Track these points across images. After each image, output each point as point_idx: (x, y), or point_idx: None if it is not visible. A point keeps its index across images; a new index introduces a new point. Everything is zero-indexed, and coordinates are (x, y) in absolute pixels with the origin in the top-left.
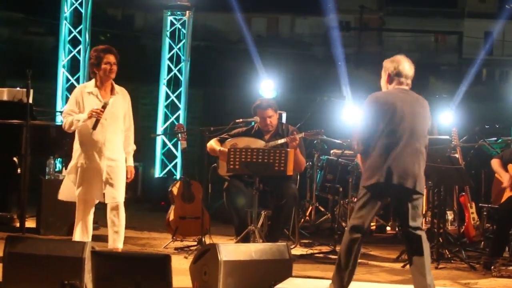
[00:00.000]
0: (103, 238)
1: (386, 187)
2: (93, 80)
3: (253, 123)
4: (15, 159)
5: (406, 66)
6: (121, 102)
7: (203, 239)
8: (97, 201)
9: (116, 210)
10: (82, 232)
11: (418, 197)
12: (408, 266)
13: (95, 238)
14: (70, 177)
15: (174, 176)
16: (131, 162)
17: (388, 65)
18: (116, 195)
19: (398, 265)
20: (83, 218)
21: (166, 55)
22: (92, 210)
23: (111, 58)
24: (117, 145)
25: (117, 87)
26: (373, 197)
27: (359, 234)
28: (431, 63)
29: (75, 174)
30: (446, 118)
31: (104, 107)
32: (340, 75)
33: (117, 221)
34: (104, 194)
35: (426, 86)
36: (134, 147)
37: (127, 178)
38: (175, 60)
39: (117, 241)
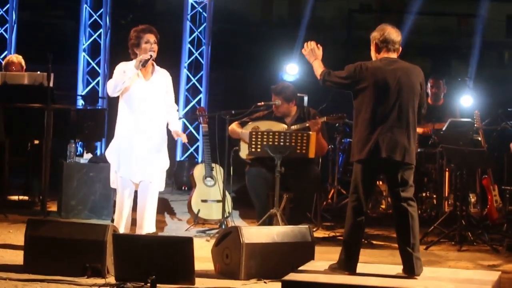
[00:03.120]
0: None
1: (376, 161)
2: (134, 60)
3: None
4: (36, 142)
5: (392, 32)
6: (161, 82)
7: (225, 222)
8: (137, 181)
9: (145, 191)
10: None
11: (408, 168)
12: (430, 248)
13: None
14: (110, 158)
15: (196, 160)
16: (177, 127)
17: (374, 34)
18: (149, 175)
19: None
20: (125, 198)
21: (187, 38)
22: (132, 190)
23: (151, 37)
24: (158, 123)
25: (158, 68)
26: (364, 174)
27: (361, 216)
28: (453, 46)
29: (116, 154)
30: (467, 101)
31: (151, 57)
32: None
33: (145, 202)
34: (138, 172)
35: (448, 69)
36: (179, 121)
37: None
38: (196, 43)
39: (142, 224)
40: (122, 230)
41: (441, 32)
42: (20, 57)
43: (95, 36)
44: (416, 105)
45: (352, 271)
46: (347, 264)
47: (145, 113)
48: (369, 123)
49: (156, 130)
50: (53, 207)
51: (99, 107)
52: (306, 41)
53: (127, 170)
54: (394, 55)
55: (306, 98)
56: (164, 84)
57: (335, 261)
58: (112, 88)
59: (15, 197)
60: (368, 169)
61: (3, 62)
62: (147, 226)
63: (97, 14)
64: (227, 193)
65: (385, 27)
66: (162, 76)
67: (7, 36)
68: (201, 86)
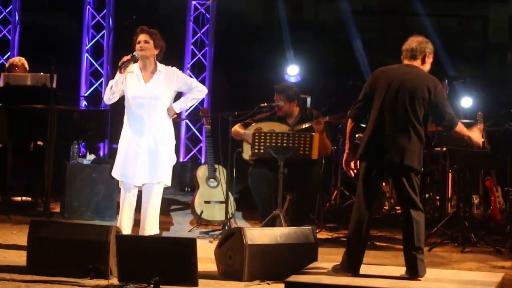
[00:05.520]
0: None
1: (375, 162)
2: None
3: None
4: (40, 143)
5: (406, 42)
6: (163, 82)
7: (228, 224)
8: (139, 183)
9: (149, 193)
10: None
11: (410, 171)
12: (434, 249)
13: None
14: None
15: (199, 161)
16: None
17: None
18: (150, 178)
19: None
20: (128, 200)
21: (190, 40)
22: (134, 192)
23: (140, 37)
24: (157, 126)
25: (161, 67)
26: (364, 173)
27: (366, 215)
28: (455, 48)
29: (117, 157)
30: (469, 103)
31: (133, 57)
32: (363, 59)
33: (147, 204)
34: (137, 176)
35: (451, 70)
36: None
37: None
38: (199, 45)
39: (145, 225)
40: (124, 231)
41: (444, 34)
42: (23, 59)
43: (98, 37)
44: (419, 108)
45: (355, 272)
46: (350, 265)
47: (143, 117)
48: (372, 125)
49: (156, 133)
50: (56, 208)
51: (102, 108)
52: (309, 43)
53: (125, 173)
54: (410, 62)
55: (309, 100)
56: (166, 83)
57: (338, 263)
58: (106, 97)
59: (18, 198)
60: (369, 169)
61: (7, 64)
62: (150, 227)
63: (100, 15)
64: (230, 194)
65: (409, 38)
66: (164, 75)
67: (10, 37)
68: None
